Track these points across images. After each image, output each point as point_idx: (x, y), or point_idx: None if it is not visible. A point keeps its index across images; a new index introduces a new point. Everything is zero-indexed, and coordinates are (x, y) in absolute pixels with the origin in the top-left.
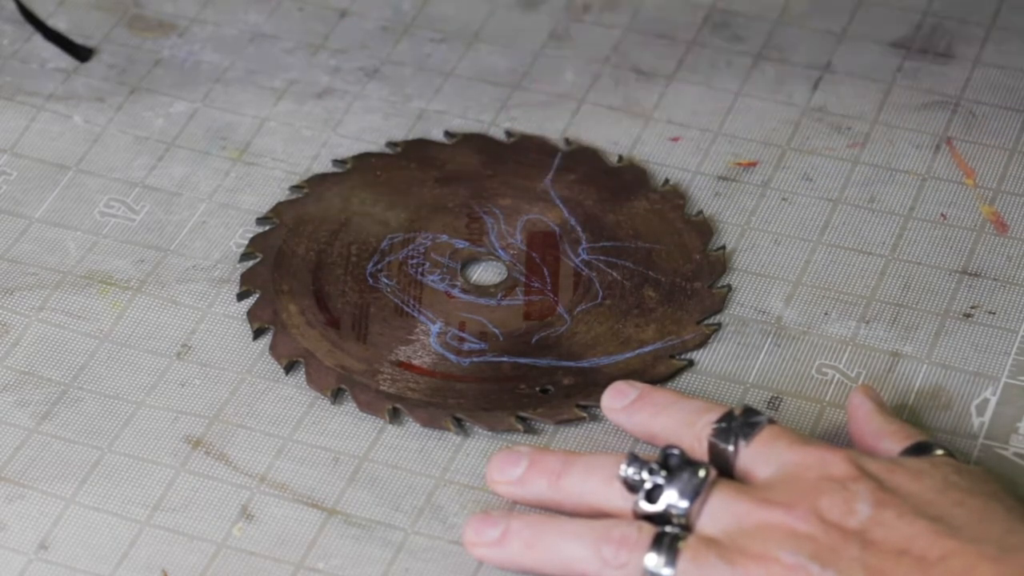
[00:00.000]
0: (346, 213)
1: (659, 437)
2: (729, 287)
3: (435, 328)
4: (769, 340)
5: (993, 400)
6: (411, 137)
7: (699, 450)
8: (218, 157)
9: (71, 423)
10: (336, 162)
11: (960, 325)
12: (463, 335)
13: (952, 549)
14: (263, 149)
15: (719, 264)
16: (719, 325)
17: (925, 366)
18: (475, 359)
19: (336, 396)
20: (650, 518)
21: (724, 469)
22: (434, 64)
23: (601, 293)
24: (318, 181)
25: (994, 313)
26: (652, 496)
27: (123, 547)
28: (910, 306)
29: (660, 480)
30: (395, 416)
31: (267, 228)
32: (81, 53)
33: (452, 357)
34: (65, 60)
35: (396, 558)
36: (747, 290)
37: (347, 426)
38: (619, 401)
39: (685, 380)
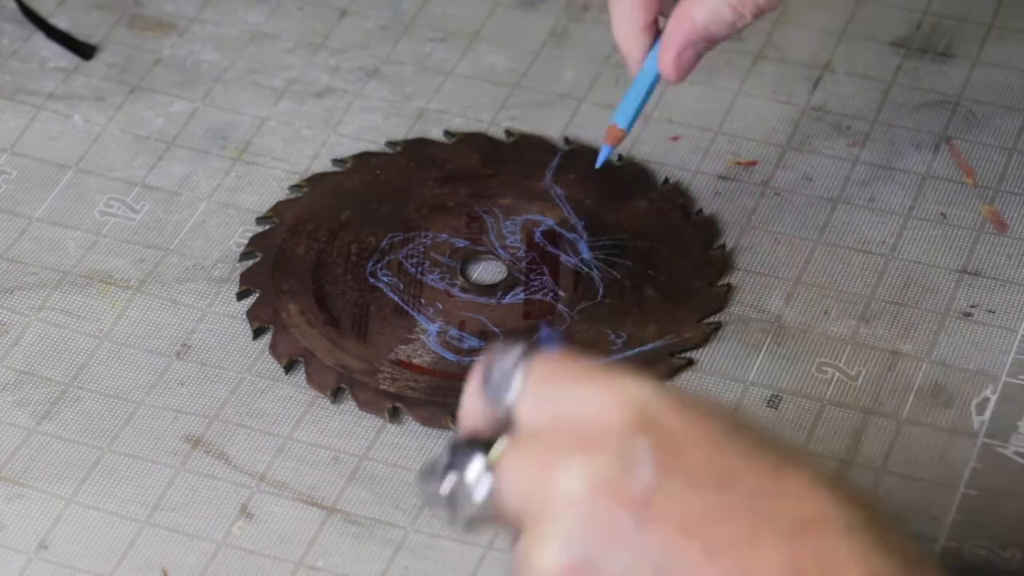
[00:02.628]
0: (346, 212)
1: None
2: (729, 286)
3: (435, 327)
4: (769, 339)
5: (993, 399)
6: (411, 136)
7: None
8: (218, 156)
9: (71, 423)
10: (336, 161)
11: (960, 324)
12: (463, 334)
13: (742, 532)
14: (263, 148)
15: (719, 263)
16: (719, 324)
17: (925, 365)
18: (475, 358)
19: (336, 395)
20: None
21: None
22: (434, 64)
23: (601, 292)
24: (318, 180)
25: (994, 312)
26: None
27: (123, 546)
28: (910, 305)
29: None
30: (395, 415)
31: (267, 227)
32: (84, 51)
33: (452, 356)
34: (65, 59)
35: (396, 556)
36: (747, 289)
37: (347, 425)
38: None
39: (685, 379)
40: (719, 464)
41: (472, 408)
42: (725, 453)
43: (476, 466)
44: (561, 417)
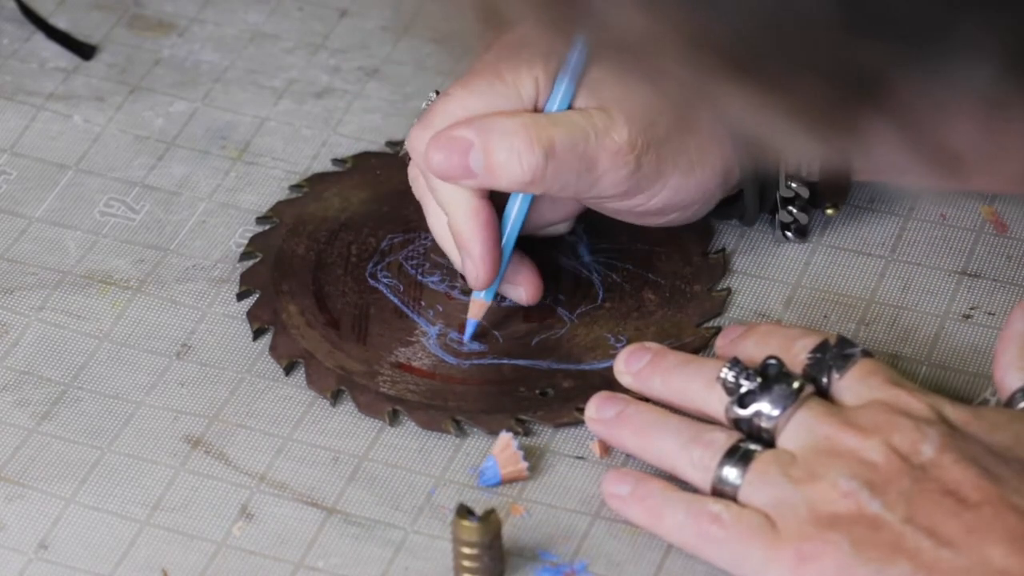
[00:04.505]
0: (346, 213)
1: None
2: (729, 290)
3: (435, 330)
4: None
5: (992, 401)
6: None
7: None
8: (218, 157)
9: (71, 423)
10: (336, 161)
11: (959, 326)
12: (463, 337)
13: (990, 497)
14: (263, 149)
15: (719, 267)
16: (719, 328)
17: (924, 367)
18: (475, 361)
19: (336, 398)
20: (741, 424)
21: (817, 394)
22: (434, 64)
23: (601, 295)
24: (318, 180)
25: (993, 314)
26: (744, 401)
27: (123, 547)
28: (909, 308)
29: (755, 387)
30: (395, 418)
31: (267, 227)
32: (84, 51)
33: (452, 359)
34: (65, 59)
35: (396, 557)
36: (747, 293)
37: (347, 425)
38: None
39: None
40: (992, 455)
41: None
42: (1003, 453)
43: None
44: (876, 400)
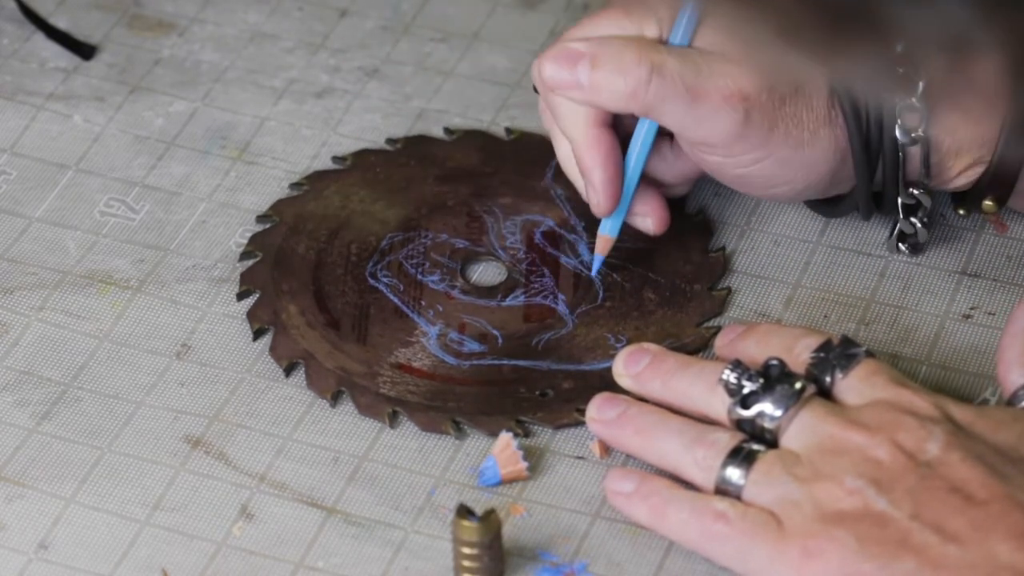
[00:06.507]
0: (346, 211)
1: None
2: (729, 289)
3: (435, 330)
4: None
5: (992, 401)
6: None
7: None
8: (218, 156)
9: (71, 423)
10: (336, 159)
11: (959, 326)
12: (463, 337)
13: (997, 495)
14: (263, 148)
15: (719, 266)
16: (719, 328)
17: (924, 367)
18: (475, 362)
19: (336, 399)
20: (744, 425)
21: (819, 394)
22: (434, 63)
23: (601, 295)
24: (318, 178)
25: (993, 314)
26: (747, 402)
27: (123, 547)
28: (909, 308)
29: (757, 388)
30: (395, 419)
31: (267, 227)
32: (84, 51)
33: (452, 360)
34: (65, 59)
35: (396, 557)
36: (747, 292)
37: (347, 425)
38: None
39: None
40: (997, 454)
41: None
42: (1008, 451)
43: (782, 396)
44: (880, 400)
